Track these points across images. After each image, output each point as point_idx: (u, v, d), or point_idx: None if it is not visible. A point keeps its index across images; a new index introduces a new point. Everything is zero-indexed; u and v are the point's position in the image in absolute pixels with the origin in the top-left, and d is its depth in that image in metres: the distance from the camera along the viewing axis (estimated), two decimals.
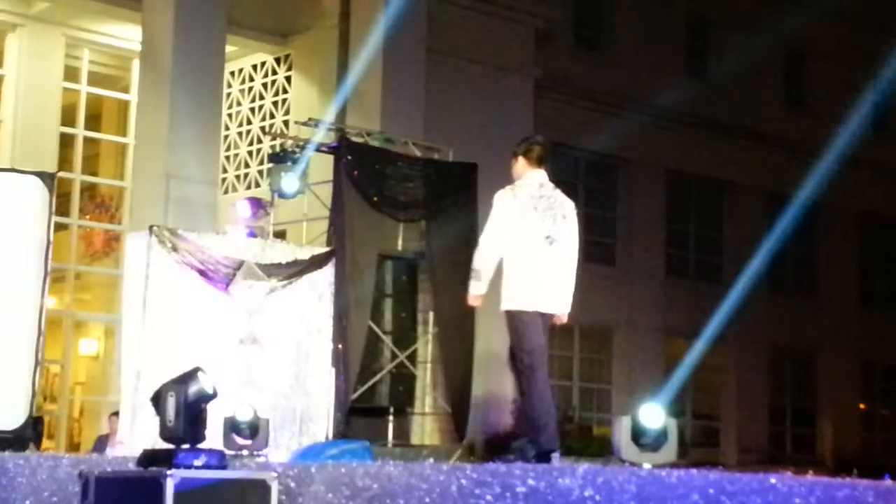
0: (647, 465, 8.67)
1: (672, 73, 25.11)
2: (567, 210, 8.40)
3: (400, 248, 16.89)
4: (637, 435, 9.30)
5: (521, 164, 8.54)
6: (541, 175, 8.44)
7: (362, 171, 16.09)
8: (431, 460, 8.30)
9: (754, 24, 25.52)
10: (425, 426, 17.19)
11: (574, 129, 23.22)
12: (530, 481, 6.95)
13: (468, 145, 18.37)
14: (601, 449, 17.09)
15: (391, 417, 16.43)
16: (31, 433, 14.44)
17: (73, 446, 20.92)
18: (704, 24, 26.69)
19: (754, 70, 25.94)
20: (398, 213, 16.63)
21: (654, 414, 9.33)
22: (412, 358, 16.38)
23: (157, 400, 7.71)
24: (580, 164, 24.49)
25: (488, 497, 7.18)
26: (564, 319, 8.58)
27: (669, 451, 9.38)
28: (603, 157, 24.57)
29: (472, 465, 7.71)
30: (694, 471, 6.61)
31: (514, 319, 8.26)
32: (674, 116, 24.32)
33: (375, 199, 16.07)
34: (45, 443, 18.30)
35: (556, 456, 8.32)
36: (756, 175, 26.33)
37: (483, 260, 8.29)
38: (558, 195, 8.40)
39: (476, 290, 8.32)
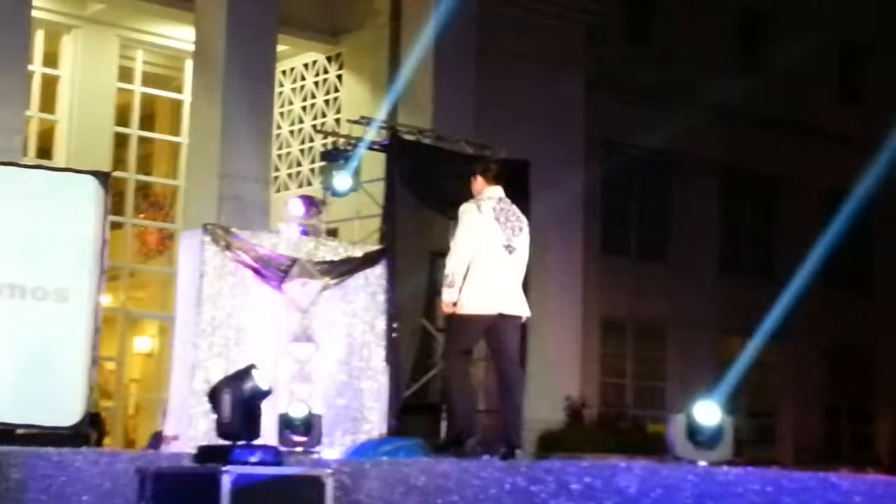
0: (702, 463, 8.61)
1: (726, 68, 24.95)
2: (523, 223, 9.13)
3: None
4: (692, 432, 9.23)
5: (479, 181, 9.23)
6: (498, 190, 9.15)
7: (414, 168, 16.08)
8: (486, 457, 8.29)
9: (809, 17, 25.29)
10: (479, 423, 17.15)
11: (627, 125, 23.15)
12: (586, 478, 6.91)
13: (520, 143, 18.31)
14: (655, 446, 17.00)
15: (444, 415, 16.40)
16: (88, 429, 14.58)
17: (129, 443, 21.08)
18: (758, 17, 26.49)
19: (809, 64, 25.70)
20: (450, 211, 16.55)
21: (709, 411, 9.26)
22: None
23: (213, 397, 7.74)
24: (633, 160, 24.37)
25: (543, 495, 7.15)
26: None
27: (725, 448, 9.30)
28: (656, 154, 24.44)
29: (527, 462, 7.68)
30: (751, 468, 6.56)
31: (465, 322, 8.82)
32: (728, 112, 24.15)
33: (427, 196, 16.06)
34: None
35: (471, 441, 8.89)
36: (811, 171, 26.10)
37: (457, 267, 8.81)
38: (514, 209, 9.12)
39: (450, 297, 8.81)
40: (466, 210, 9.03)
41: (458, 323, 8.92)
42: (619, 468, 6.77)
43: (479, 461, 7.80)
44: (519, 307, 8.96)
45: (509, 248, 8.86)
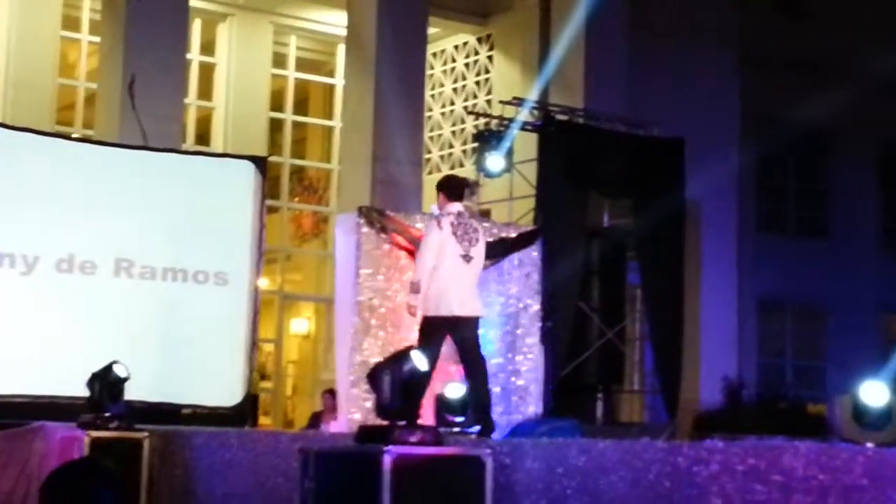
0: (869, 445, 8.40)
1: (884, 40, 24.23)
2: (479, 234, 10.45)
3: (606, 225, 16.77)
4: (859, 413, 9.01)
5: (441, 198, 10.51)
6: (457, 206, 10.44)
7: (567, 148, 15.99)
8: (647, 438, 8.20)
9: None
10: (634, 404, 17.03)
11: (782, 100, 22.66)
12: (750, 459, 6.79)
13: (673, 121, 18.07)
14: (815, 428, 16.67)
15: (600, 395, 16.33)
16: (249, 410, 14.87)
17: (287, 423, 21.45)
18: None
19: None
20: (603, 190, 16.50)
21: (877, 392, 9.03)
22: (621, 335, 16.23)
23: (373, 378, 7.81)
24: (789, 136, 23.83)
25: (705, 475, 7.05)
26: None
27: (893, 430, 9.07)
28: (813, 128, 23.87)
29: (689, 442, 7.58)
30: None
31: (429, 324, 10.24)
32: (886, 84, 23.46)
33: (580, 176, 15.95)
34: (261, 420, 18.81)
35: None
36: None
37: (421, 276, 10.24)
38: (472, 222, 10.48)
39: (415, 302, 10.35)
40: (428, 227, 10.46)
41: (424, 325, 10.30)
42: (786, 449, 6.63)
43: (640, 442, 7.72)
44: (475, 308, 10.34)
45: (466, 258, 10.19)
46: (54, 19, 19.95)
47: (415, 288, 10.27)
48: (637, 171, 16.24)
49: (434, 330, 10.24)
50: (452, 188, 10.55)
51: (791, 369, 23.67)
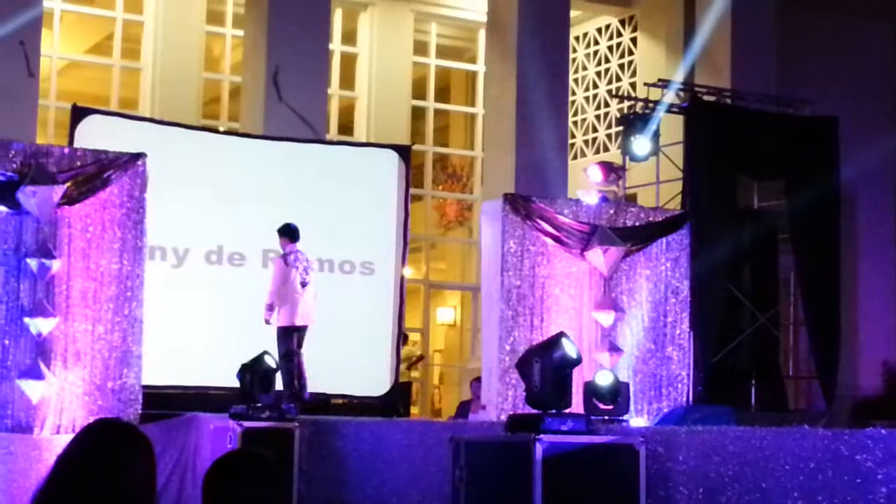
0: None
1: None
2: (310, 266, 13.22)
3: (756, 207, 16.38)
4: None
5: (284, 241, 13.19)
6: (296, 246, 13.16)
7: (714, 130, 15.65)
8: (805, 426, 7.97)
9: None
10: (789, 391, 16.63)
11: None
12: None
13: (825, 100, 17.58)
14: None
15: (753, 381, 15.97)
16: (399, 399, 14.90)
17: (435, 412, 21.45)
18: None
19: None
20: (753, 172, 16.13)
21: None
22: (774, 320, 15.85)
23: (523, 366, 7.71)
24: None
25: (869, 464, 6.82)
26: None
27: None
28: None
29: (851, 430, 7.33)
30: None
31: (282, 332, 12.98)
32: None
33: (729, 158, 15.61)
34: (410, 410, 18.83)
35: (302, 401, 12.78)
36: None
37: (272, 299, 12.96)
38: (306, 257, 13.21)
39: (267, 317, 12.97)
40: (276, 263, 13.19)
41: (279, 332, 12.95)
42: None
43: (800, 429, 7.50)
44: (308, 320, 13.10)
45: (303, 284, 13.03)
46: (199, 14, 20.23)
47: (267, 307, 12.96)
48: (788, 153, 15.83)
49: (284, 335, 13.00)
50: (291, 234, 13.18)
51: None
